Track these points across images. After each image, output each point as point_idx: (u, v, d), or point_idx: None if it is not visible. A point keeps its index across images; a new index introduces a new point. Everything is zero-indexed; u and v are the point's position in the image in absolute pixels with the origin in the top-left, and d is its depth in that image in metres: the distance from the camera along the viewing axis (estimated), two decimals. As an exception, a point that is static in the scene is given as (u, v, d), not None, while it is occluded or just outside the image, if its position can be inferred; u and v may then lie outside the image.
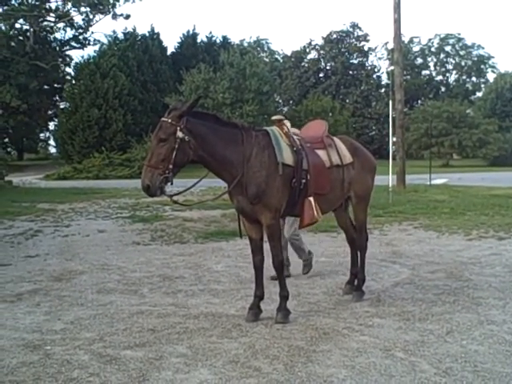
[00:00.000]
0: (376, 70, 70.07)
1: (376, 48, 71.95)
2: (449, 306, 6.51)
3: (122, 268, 8.85)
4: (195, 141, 5.54)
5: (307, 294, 7.12)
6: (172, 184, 5.57)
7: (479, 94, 72.80)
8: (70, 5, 42.98)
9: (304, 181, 6.03)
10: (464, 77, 75.20)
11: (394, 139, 22.76)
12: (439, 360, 4.85)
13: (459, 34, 73.95)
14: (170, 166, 5.40)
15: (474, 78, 75.43)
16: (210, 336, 5.56)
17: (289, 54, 71.13)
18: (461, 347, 5.16)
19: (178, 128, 5.42)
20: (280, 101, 65.86)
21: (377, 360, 4.86)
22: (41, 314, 6.37)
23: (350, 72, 67.29)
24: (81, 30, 53.65)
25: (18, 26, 50.09)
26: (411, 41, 73.23)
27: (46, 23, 51.53)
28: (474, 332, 5.57)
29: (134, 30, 50.20)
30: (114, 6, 39.95)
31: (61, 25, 52.15)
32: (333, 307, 6.54)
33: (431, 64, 75.72)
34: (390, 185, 18.11)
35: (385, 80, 66.11)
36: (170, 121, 5.44)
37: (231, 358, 4.95)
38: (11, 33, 49.33)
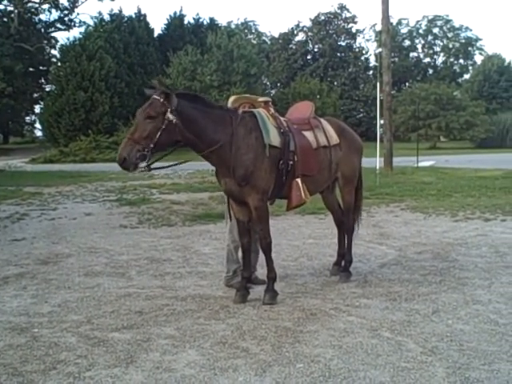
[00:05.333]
0: (364, 52, 69.66)
1: (364, 30, 72.10)
2: (435, 286, 6.57)
3: (110, 251, 8.83)
4: (185, 123, 5.49)
5: (295, 276, 7.15)
6: (147, 163, 5.43)
7: (467, 77, 72.71)
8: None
9: (291, 162, 6.03)
10: (452, 59, 75.10)
11: (382, 121, 22.76)
12: (425, 339, 4.90)
13: (447, 16, 73.86)
14: (151, 145, 5.34)
15: (461, 60, 75.34)
16: (198, 318, 5.58)
17: (276, 35, 70.62)
18: (447, 326, 5.21)
19: (169, 109, 5.38)
20: (268, 83, 65.53)
21: (363, 340, 4.90)
22: (28, 297, 6.36)
23: (338, 54, 66.87)
24: (66, 12, 53.06)
25: (1, 7, 49.48)
26: (399, 22, 72.96)
27: (30, 4, 50.91)
28: (460, 311, 5.63)
29: (120, 11, 49.60)
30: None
31: (46, 6, 51.59)
32: (320, 288, 6.58)
33: (419, 46, 75.52)
34: (378, 167, 18.15)
35: (373, 62, 65.85)
36: (161, 100, 5.38)
37: (219, 339, 4.97)
38: (-5, 14, 48.74)
